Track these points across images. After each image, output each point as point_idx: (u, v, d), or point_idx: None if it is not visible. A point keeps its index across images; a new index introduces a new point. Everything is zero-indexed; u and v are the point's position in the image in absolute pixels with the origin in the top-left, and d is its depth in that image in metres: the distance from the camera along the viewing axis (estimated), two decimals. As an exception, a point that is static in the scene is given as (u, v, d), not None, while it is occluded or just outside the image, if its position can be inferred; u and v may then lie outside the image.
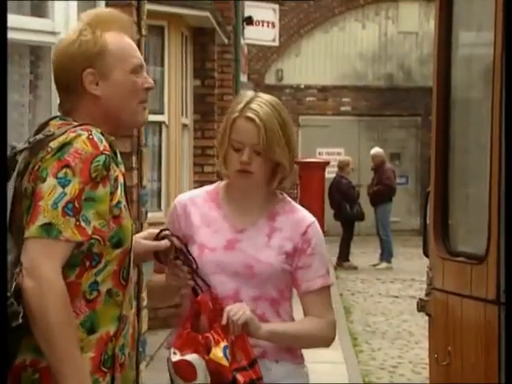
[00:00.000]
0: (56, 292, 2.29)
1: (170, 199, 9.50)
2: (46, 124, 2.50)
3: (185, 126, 10.27)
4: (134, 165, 5.89)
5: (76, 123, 2.45)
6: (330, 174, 16.48)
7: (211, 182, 9.70)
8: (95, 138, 2.39)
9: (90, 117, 2.49)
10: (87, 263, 2.40)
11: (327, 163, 17.24)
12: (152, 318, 7.43)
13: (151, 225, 7.10)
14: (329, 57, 21.16)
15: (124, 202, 2.50)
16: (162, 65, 9.54)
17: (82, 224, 2.34)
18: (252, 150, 2.83)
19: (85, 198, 2.35)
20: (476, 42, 3.71)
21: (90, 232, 2.35)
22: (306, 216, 2.94)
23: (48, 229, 2.31)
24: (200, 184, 10.76)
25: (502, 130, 3.01)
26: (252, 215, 2.91)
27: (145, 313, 4.99)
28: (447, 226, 3.74)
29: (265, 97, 2.90)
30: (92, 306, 2.42)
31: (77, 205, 2.34)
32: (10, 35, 2.67)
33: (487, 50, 3.18)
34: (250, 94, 2.92)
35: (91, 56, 2.49)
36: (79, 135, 2.38)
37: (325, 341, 2.94)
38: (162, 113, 9.45)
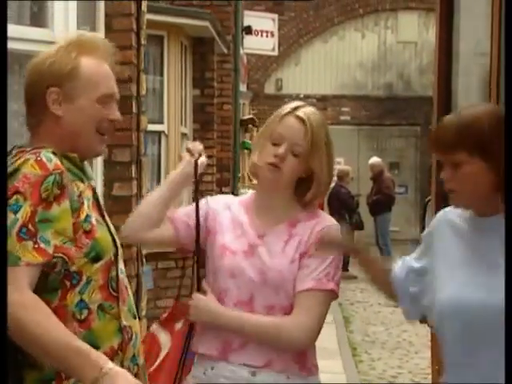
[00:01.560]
0: (24, 305, 2.23)
1: (169, 209, 9.49)
2: (8, 154, 2.46)
3: (184, 135, 10.27)
4: (133, 174, 5.89)
5: (29, 149, 2.43)
6: (330, 183, 16.47)
7: (210, 191, 9.71)
8: (44, 159, 2.36)
9: (50, 135, 2.46)
10: (67, 283, 2.38)
11: (327, 172, 17.23)
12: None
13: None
14: (328, 66, 21.19)
15: (96, 216, 2.47)
16: (162, 74, 9.55)
17: (42, 245, 2.30)
18: (290, 148, 2.81)
19: (39, 219, 2.32)
20: (476, 51, 3.72)
21: (50, 251, 2.32)
22: (323, 220, 2.87)
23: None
24: (199, 193, 10.74)
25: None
26: (274, 221, 2.87)
27: (144, 322, 4.98)
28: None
29: (313, 108, 2.90)
30: (86, 325, 2.39)
31: (31, 227, 2.30)
32: (10, 45, 2.66)
33: (487, 60, 3.18)
34: (298, 102, 2.93)
35: (60, 76, 2.46)
36: (27, 160, 2.36)
37: (284, 341, 2.76)
38: (161, 122, 9.46)
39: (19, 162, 2.36)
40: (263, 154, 2.85)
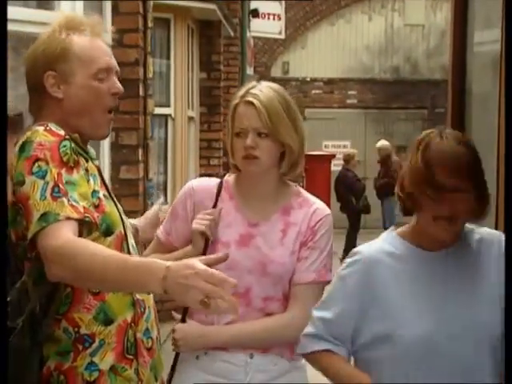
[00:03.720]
0: (75, 244, 2.23)
1: (175, 192, 9.50)
2: None
3: (191, 118, 10.27)
4: (140, 158, 5.90)
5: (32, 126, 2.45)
6: (336, 166, 16.46)
7: (217, 175, 9.68)
8: (52, 128, 2.39)
9: (53, 119, 2.47)
10: None
11: (333, 156, 17.22)
12: (158, 310, 7.43)
13: (157, 217, 7.12)
14: (335, 49, 21.12)
15: (104, 192, 2.49)
16: (168, 57, 9.54)
17: (73, 203, 2.32)
18: (255, 134, 2.74)
19: (65, 181, 2.34)
20: (491, 37, 3.71)
21: (82, 210, 2.33)
22: (320, 209, 2.83)
23: (45, 218, 2.28)
24: (206, 177, 10.75)
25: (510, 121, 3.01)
26: (266, 209, 2.82)
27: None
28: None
29: (266, 83, 2.86)
30: (100, 297, 2.41)
31: (62, 187, 2.32)
32: (17, 28, 2.67)
33: (498, 45, 3.18)
34: (252, 82, 2.87)
35: (52, 58, 2.47)
36: (36, 130, 2.38)
37: (285, 338, 2.78)
38: (168, 105, 9.46)
39: (28, 134, 2.38)
40: (235, 151, 2.79)
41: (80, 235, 2.34)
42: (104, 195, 2.49)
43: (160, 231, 2.90)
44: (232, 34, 11.61)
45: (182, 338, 2.80)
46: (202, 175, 10.46)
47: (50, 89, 2.47)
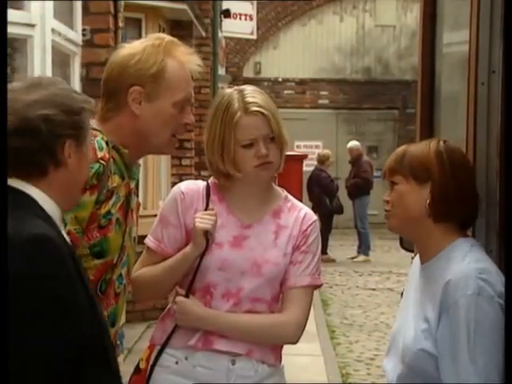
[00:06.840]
0: None
1: (147, 192, 9.48)
2: None
3: (162, 118, 10.23)
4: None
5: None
6: (308, 167, 16.50)
7: (189, 175, 9.69)
8: (96, 145, 2.38)
9: (122, 130, 2.49)
10: None
11: (305, 156, 17.27)
12: (130, 311, 7.42)
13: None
14: (307, 50, 21.18)
15: (118, 216, 2.47)
16: (140, 57, 9.51)
17: None
18: (266, 141, 2.77)
19: None
20: (460, 38, 3.74)
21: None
22: (308, 214, 2.89)
23: None
24: (178, 177, 10.75)
25: (478, 123, 3.04)
26: (257, 211, 2.84)
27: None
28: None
29: (248, 88, 2.84)
30: None
31: None
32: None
33: (466, 46, 3.20)
34: (231, 91, 2.82)
35: (145, 75, 2.49)
36: None
37: (282, 338, 2.82)
38: (139, 106, 9.42)
39: None
40: (243, 162, 2.77)
41: None
42: (117, 219, 2.47)
43: (149, 240, 2.85)
44: (203, 34, 11.60)
45: (182, 314, 2.77)
46: (173, 175, 10.43)
47: (131, 102, 2.48)
